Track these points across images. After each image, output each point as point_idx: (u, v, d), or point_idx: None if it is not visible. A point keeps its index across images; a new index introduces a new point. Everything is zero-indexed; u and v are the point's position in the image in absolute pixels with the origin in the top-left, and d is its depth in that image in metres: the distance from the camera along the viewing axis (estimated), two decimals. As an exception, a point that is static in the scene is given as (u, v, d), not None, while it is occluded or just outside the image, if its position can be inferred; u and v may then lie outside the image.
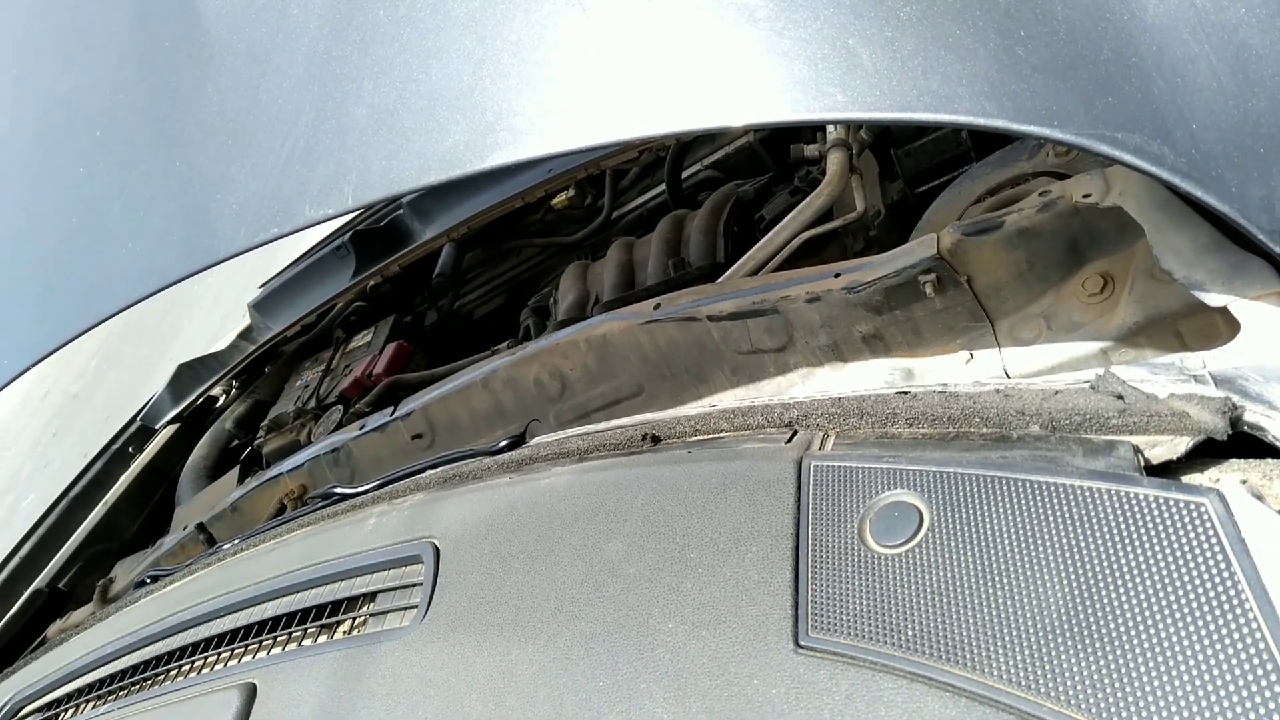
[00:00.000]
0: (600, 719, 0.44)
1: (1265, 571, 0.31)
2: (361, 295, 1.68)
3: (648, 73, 0.49)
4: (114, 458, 1.67)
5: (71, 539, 1.48)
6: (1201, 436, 0.38)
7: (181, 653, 0.77)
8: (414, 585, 0.62)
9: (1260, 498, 0.35)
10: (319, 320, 1.75)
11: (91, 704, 0.83)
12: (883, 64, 0.42)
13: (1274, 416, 0.38)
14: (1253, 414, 0.38)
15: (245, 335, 1.80)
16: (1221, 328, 0.53)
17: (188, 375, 1.76)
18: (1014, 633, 0.35)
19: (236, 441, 1.63)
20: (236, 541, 0.90)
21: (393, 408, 1.10)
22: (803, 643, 0.40)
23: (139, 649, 0.82)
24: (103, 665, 0.86)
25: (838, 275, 0.73)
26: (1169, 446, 0.39)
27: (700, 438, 0.56)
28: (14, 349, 0.73)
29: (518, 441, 0.72)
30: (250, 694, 0.64)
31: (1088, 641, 0.34)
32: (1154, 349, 0.60)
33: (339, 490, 0.83)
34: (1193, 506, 0.34)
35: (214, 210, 0.59)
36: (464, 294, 1.68)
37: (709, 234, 1.12)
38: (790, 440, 0.51)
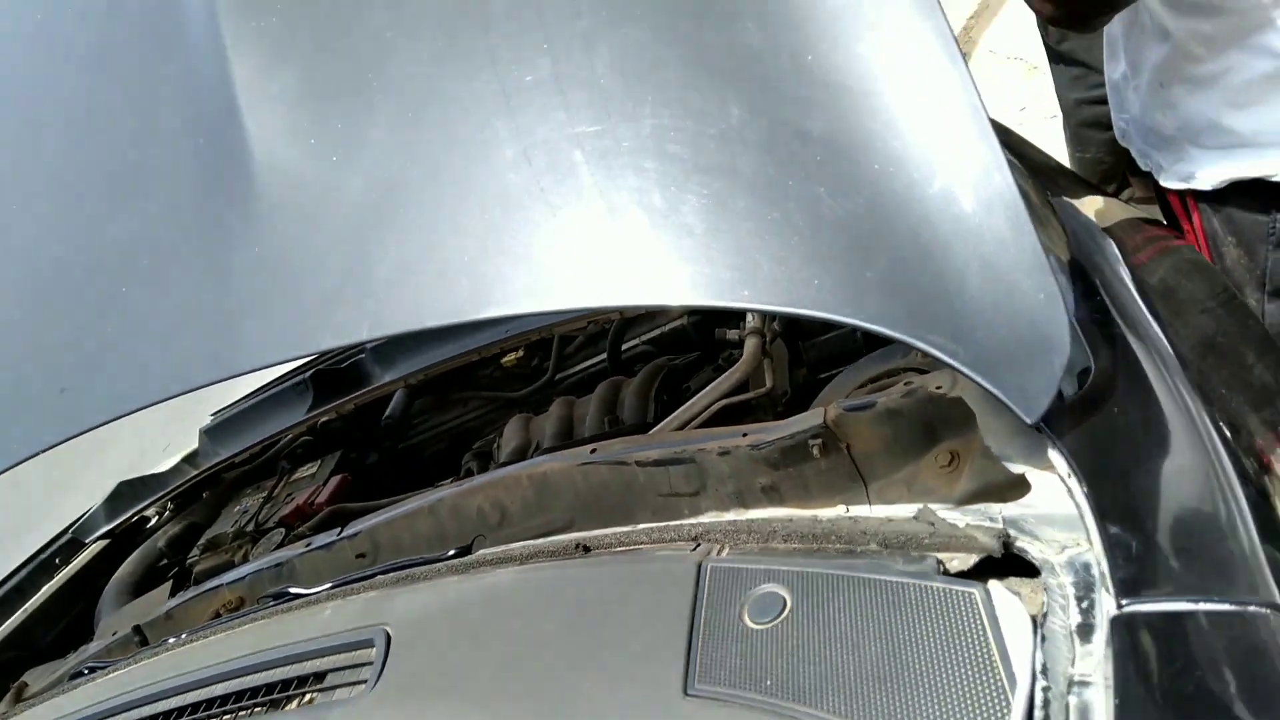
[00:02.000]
0: None
1: (1008, 636, 0.46)
2: (311, 430, 1.78)
3: (604, 260, 0.66)
4: (40, 567, 1.69)
5: (-16, 644, 1.48)
6: (984, 554, 0.53)
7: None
8: (365, 665, 0.72)
9: (1016, 594, 0.49)
10: (264, 451, 1.83)
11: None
12: (778, 273, 0.59)
13: (1035, 544, 0.53)
14: (1021, 542, 0.53)
15: (189, 459, 1.86)
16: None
17: (126, 493, 1.81)
18: (842, 681, 0.48)
19: (166, 561, 1.66)
20: (183, 635, 0.97)
21: (339, 529, 1.20)
22: (690, 692, 0.52)
23: (78, 729, 0.87)
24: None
25: (745, 435, 0.89)
26: (962, 560, 0.54)
27: (623, 547, 0.70)
28: (35, 431, 0.83)
29: (465, 551, 0.83)
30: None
31: (892, 686, 0.47)
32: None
33: (292, 590, 0.92)
34: (966, 595, 0.48)
35: (245, 332, 0.73)
36: (410, 437, 1.79)
37: (642, 397, 1.28)
38: (694, 549, 0.64)
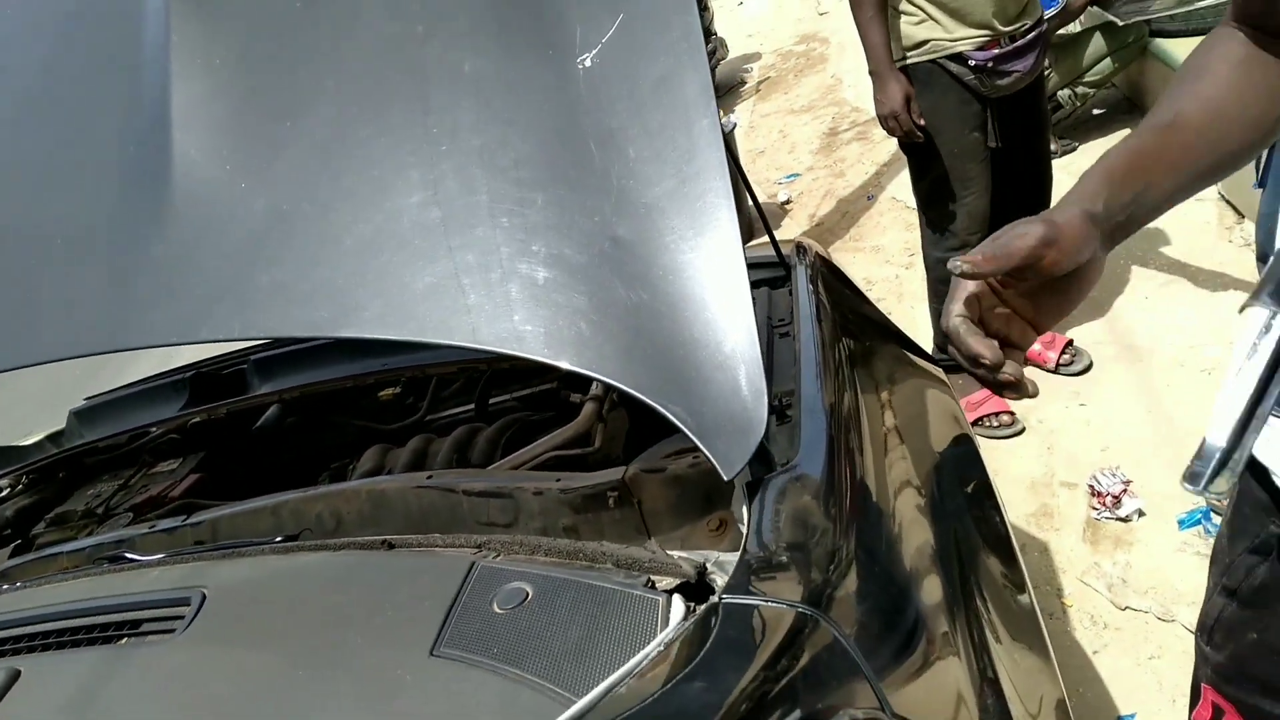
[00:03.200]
0: (302, 707, 0.66)
1: (672, 624, 0.61)
2: (180, 429, 1.85)
3: (443, 306, 0.80)
4: (-123, 516, 1.68)
5: None
6: (684, 578, 0.69)
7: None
8: (178, 619, 0.82)
9: (688, 604, 0.65)
10: (130, 442, 1.88)
11: None
12: (576, 339, 0.75)
13: (721, 577, 0.69)
14: (711, 573, 0.69)
15: (53, 438, 1.90)
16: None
17: (-17, 458, 1.82)
18: (548, 652, 0.63)
19: (10, 531, 1.68)
20: (16, 585, 1.04)
21: (185, 516, 1.28)
22: (434, 653, 0.65)
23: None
24: None
25: (558, 480, 1.03)
26: (667, 581, 0.69)
27: (420, 548, 0.83)
28: None
29: (291, 539, 0.95)
30: (13, 676, 0.80)
31: (581, 657, 0.61)
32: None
33: (127, 555, 1.01)
34: (654, 601, 0.64)
35: (137, 315, 0.85)
36: (276, 450, 1.87)
37: (491, 443, 1.42)
38: (475, 553, 0.78)
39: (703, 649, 0.54)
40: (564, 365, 0.74)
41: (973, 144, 2.46)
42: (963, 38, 2.32)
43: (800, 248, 1.41)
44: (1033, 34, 2.35)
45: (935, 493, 0.89)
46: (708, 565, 0.69)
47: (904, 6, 2.36)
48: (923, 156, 2.55)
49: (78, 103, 1.07)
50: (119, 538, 1.31)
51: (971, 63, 2.35)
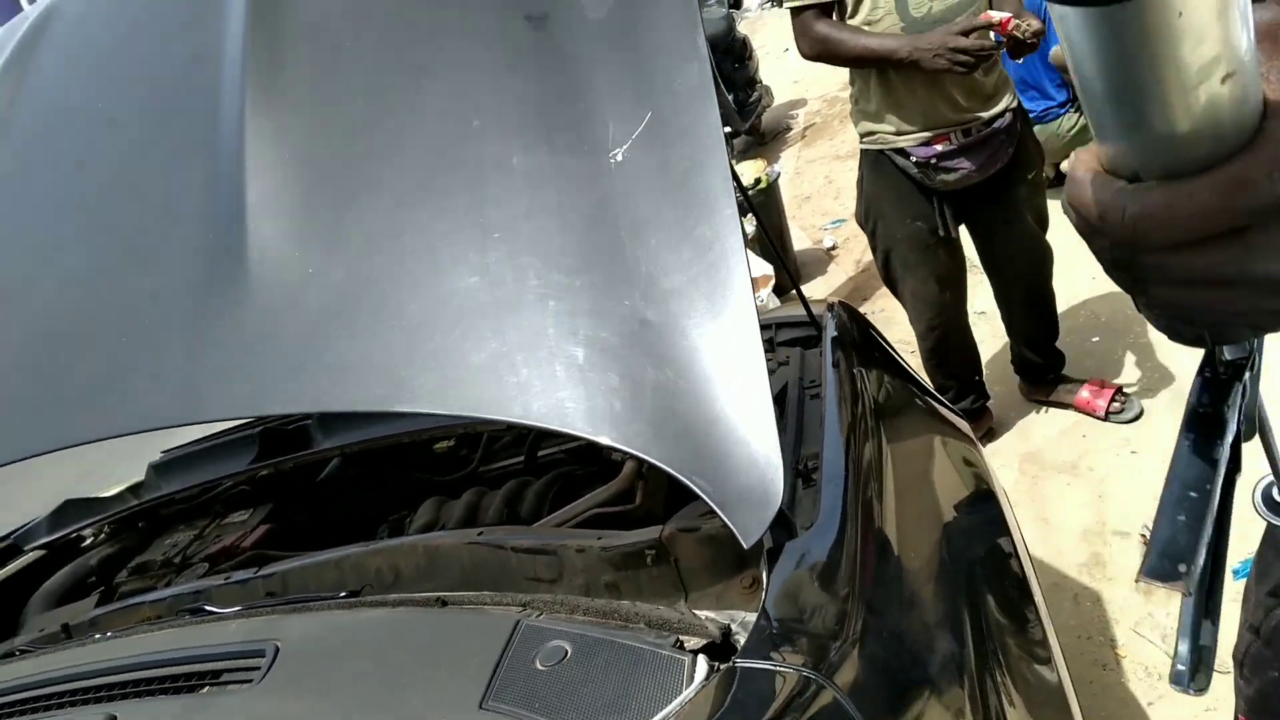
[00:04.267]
0: None
1: (695, 684, 0.66)
2: (250, 480, 1.96)
3: (494, 382, 0.88)
4: (-25, 566, 1.82)
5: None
6: (711, 639, 0.74)
7: (45, 696, 0.99)
8: (255, 669, 0.90)
9: (713, 664, 0.70)
10: (203, 493, 2.00)
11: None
12: (612, 415, 0.82)
13: (744, 637, 0.75)
14: (735, 633, 0.75)
15: (134, 490, 2.02)
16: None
17: (70, 510, 1.96)
18: (584, 706, 0.69)
19: (94, 578, 1.80)
20: (106, 634, 1.14)
21: (257, 568, 1.37)
22: (483, 706, 0.72)
23: (3, 694, 1.03)
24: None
25: (599, 538, 1.10)
26: (695, 641, 0.75)
27: (470, 605, 0.90)
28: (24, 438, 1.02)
29: (354, 595, 1.02)
30: (108, 721, 0.88)
31: (612, 712, 0.67)
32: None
33: (206, 607, 1.10)
34: (680, 660, 0.69)
35: (212, 390, 0.94)
36: (338, 501, 1.97)
37: (540, 497, 1.49)
38: (520, 611, 0.85)
39: (719, 710, 0.60)
40: (603, 440, 0.81)
41: (914, 231, 2.42)
42: (903, 132, 2.27)
43: (831, 307, 1.47)
44: (989, 129, 2.24)
45: (955, 556, 0.93)
46: (732, 626, 0.75)
47: (854, 94, 2.36)
48: (870, 237, 2.57)
49: (160, 191, 1.19)
50: (196, 589, 1.41)
51: (913, 158, 2.31)
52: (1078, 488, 2.55)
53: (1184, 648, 0.53)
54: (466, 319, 0.89)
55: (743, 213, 3.94)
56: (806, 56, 2.28)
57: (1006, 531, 1.07)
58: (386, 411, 0.86)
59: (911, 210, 2.39)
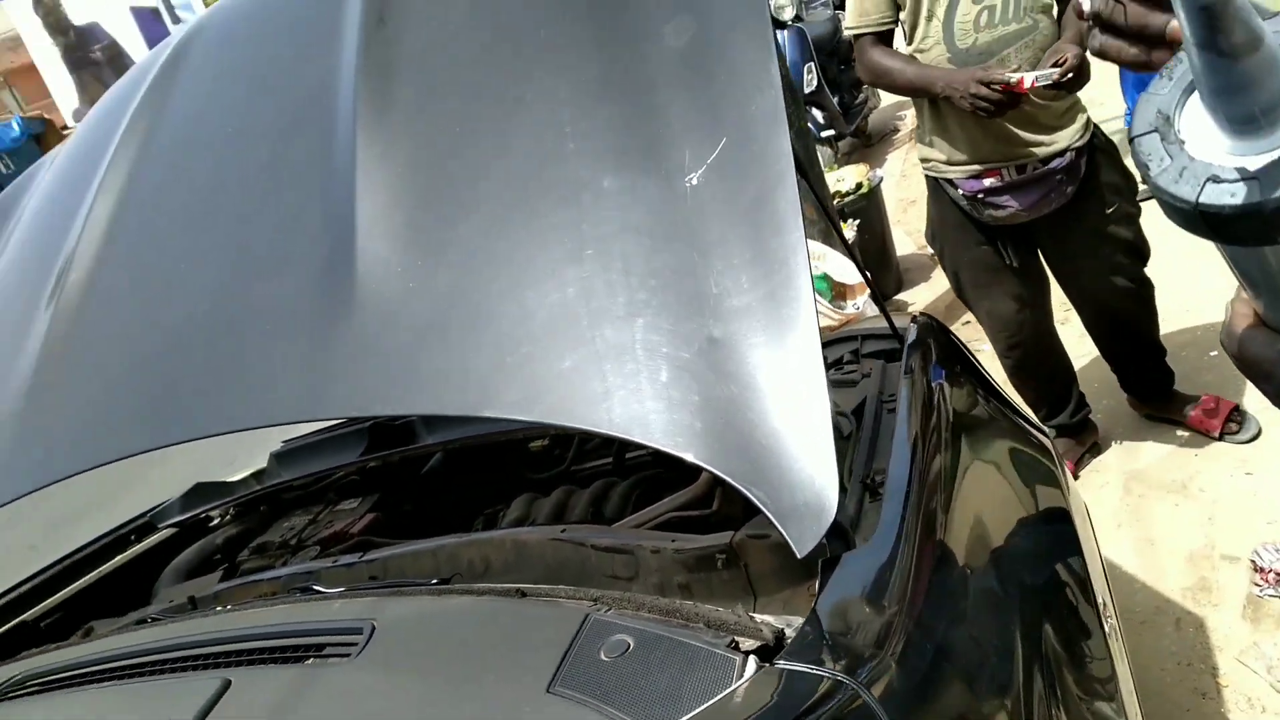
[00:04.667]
0: None
1: (746, 677, 0.71)
2: (360, 471, 2.09)
3: (582, 393, 0.94)
4: (118, 540, 2.01)
5: (63, 592, 1.79)
6: (764, 641, 0.79)
7: (170, 659, 1.11)
8: (353, 645, 0.99)
9: (763, 663, 0.75)
10: (317, 481, 2.15)
11: (90, 682, 1.16)
12: (688, 430, 0.87)
13: (790, 637, 0.79)
14: (789, 638, 0.79)
15: (257, 476, 2.19)
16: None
17: (200, 492, 2.14)
18: (641, 696, 0.74)
19: (219, 556, 1.97)
20: (228, 606, 1.26)
21: (362, 553, 1.48)
22: (549, 691, 0.78)
23: (134, 656, 1.16)
24: (103, 662, 1.19)
25: (674, 541, 1.15)
26: (749, 643, 0.79)
27: (546, 598, 0.97)
28: (156, 431, 1.15)
29: (444, 583, 1.11)
30: (224, 686, 0.99)
31: (669, 703, 0.73)
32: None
33: (315, 587, 1.21)
34: (732, 659, 0.74)
35: (326, 390, 1.04)
36: (439, 493, 2.09)
37: (624, 498, 1.55)
38: (590, 605, 0.91)
39: (761, 708, 0.64)
40: (672, 451, 0.86)
41: (981, 255, 2.35)
42: (954, 162, 2.22)
43: (915, 319, 1.48)
44: (1045, 168, 2.13)
45: (1016, 577, 0.94)
46: (787, 631, 0.79)
47: (917, 117, 2.33)
48: (940, 258, 2.52)
49: (282, 206, 1.30)
50: (308, 569, 1.53)
51: (960, 191, 2.26)
52: (1186, 509, 2.46)
53: None
54: (557, 331, 0.96)
55: (840, 220, 3.92)
56: (864, 81, 2.38)
57: (1078, 553, 1.07)
58: (478, 416, 0.93)
59: (974, 237, 2.34)
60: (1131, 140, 0.38)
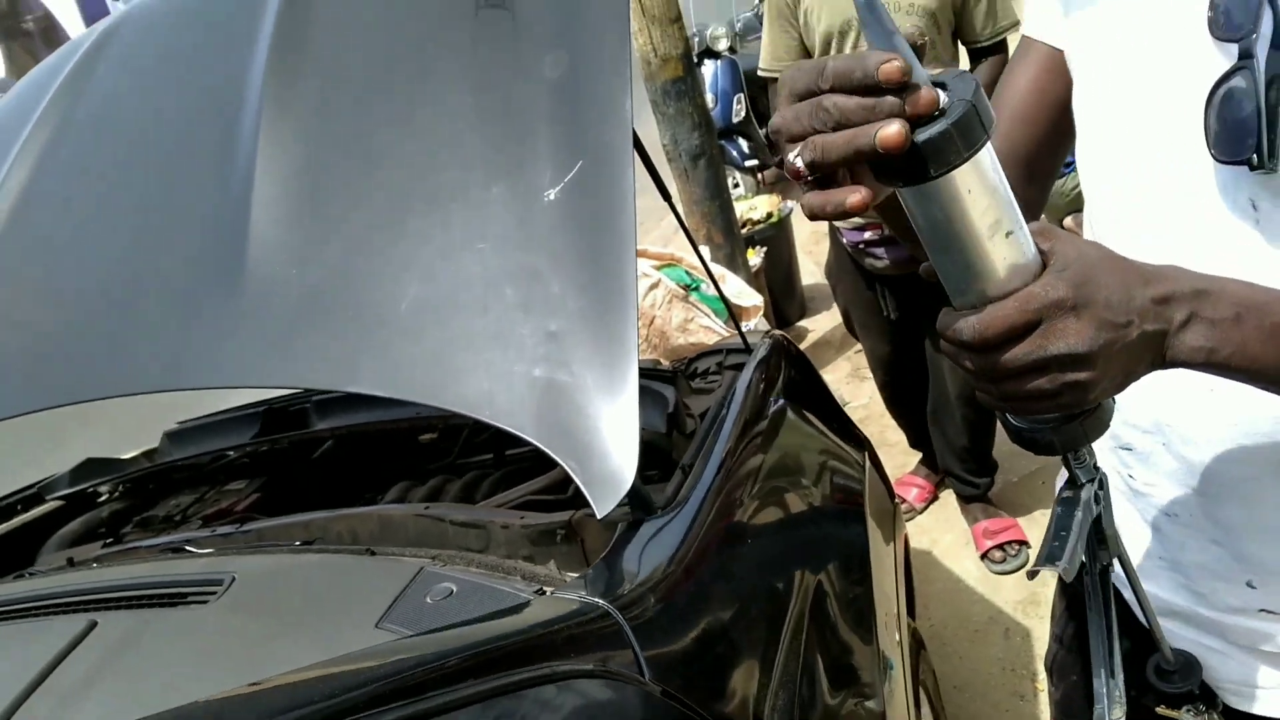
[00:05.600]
0: (278, 657, 0.92)
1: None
2: (252, 455, 2.16)
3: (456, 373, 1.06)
4: (3, 510, 2.04)
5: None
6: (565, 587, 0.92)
7: (39, 607, 1.18)
8: (213, 593, 1.09)
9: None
10: (210, 462, 2.21)
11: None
12: (524, 408, 1.00)
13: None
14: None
15: (148, 455, 2.24)
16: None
17: (90, 467, 2.17)
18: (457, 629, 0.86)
19: (103, 529, 2.01)
20: (99, 561, 1.34)
21: (240, 524, 1.57)
22: (378, 625, 0.90)
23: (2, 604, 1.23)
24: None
25: (522, 518, 1.27)
26: (552, 590, 0.92)
27: (392, 555, 1.08)
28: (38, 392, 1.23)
29: (308, 544, 1.21)
30: (90, 626, 1.07)
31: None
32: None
33: (189, 547, 1.30)
34: (532, 599, 0.87)
35: (211, 357, 1.14)
36: (326, 477, 2.17)
37: (493, 486, 1.68)
38: (429, 561, 1.03)
39: (528, 623, 0.77)
40: (498, 423, 0.99)
41: (866, 299, 2.48)
42: None
43: (769, 337, 1.64)
44: None
45: (796, 563, 1.09)
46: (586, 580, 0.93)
47: None
48: (834, 292, 2.67)
49: (185, 187, 1.39)
50: (186, 538, 1.61)
51: (844, 240, 2.39)
52: (1029, 531, 2.68)
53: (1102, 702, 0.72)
54: (420, 318, 1.08)
55: (749, 246, 4.10)
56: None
57: (864, 554, 1.23)
58: (343, 390, 1.05)
59: (861, 282, 2.50)
60: None
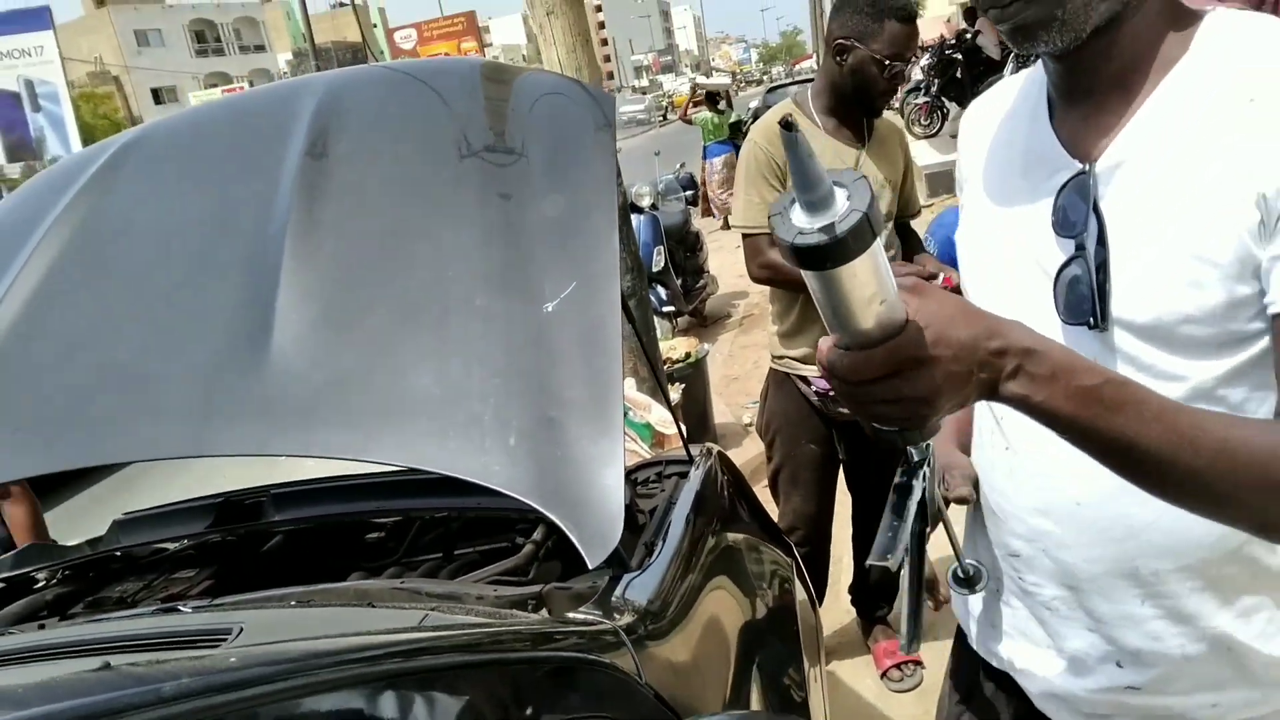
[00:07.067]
0: None
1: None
2: (200, 547, 2.22)
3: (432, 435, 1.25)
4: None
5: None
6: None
7: (41, 655, 1.26)
8: (223, 640, 1.20)
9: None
10: (154, 554, 2.25)
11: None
12: (528, 476, 1.19)
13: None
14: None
15: (92, 543, 2.26)
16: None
17: (31, 554, 2.19)
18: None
19: (46, 612, 2.01)
20: (98, 618, 1.41)
21: (210, 599, 1.65)
22: (396, 656, 1.05)
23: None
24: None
25: (496, 590, 1.43)
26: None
27: (393, 606, 1.22)
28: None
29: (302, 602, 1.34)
30: (104, 666, 1.17)
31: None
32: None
33: (179, 606, 1.39)
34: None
35: (219, 429, 1.29)
36: (277, 571, 2.23)
37: (451, 574, 1.81)
38: (430, 611, 1.18)
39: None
40: (511, 491, 1.17)
41: (808, 454, 2.59)
42: (810, 361, 2.39)
43: (708, 450, 1.87)
44: None
45: (739, 614, 1.28)
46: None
47: (774, 314, 2.54)
48: (768, 448, 2.73)
49: (213, 282, 1.55)
50: (161, 609, 1.67)
51: (814, 388, 2.51)
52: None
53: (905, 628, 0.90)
54: (431, 401, 1.28)
55: (668, 382, 4.39)
56: (755, 279, 2.49)
57: (793, 619, 1.44)
58: (357, 459, 1.22)
59: (809, 434, 2.59)
60: (770, 216, 0.64)
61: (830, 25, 2.43)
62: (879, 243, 0.63)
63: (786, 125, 0.58)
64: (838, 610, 3.07)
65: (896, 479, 0.80)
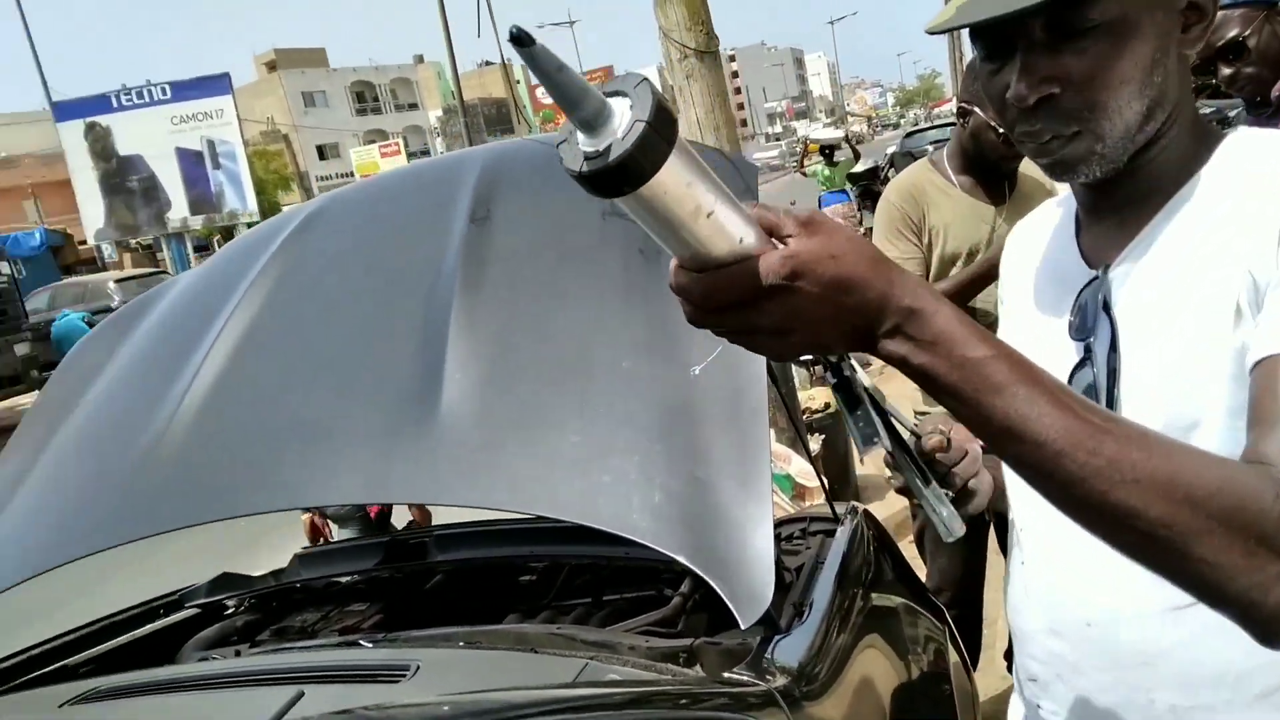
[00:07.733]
0: None
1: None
2: (370, 581, 2.40)
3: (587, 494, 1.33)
4: (148, 611, 2.28)
5: (87, 652, 2.05)
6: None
7: (240, 680, 1.41)
8: (404, 674, 1.31)
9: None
10: (329, 587, 2.45)
11: (167, 693, 1.44)
12: (679, 536, 1.26)
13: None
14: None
15: (275, 574, 2.48)
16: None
17: (224, 581, 2.42)
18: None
19: (236, 638, 2.22)
20: (286, 646, 1.57)
21: (384, 634, 1.79)
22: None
23: (207, 677, 1.46)
24: (177, 681, 1.48)
25: (648, 641, 1.49)
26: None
27: (554, 653, 1.30)
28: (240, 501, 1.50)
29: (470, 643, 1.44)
30: (298, 694, 1.30)
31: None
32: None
33: (360, 640, 1.53)
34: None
35: (394, 475, 1.41)
36: (436, 608, 2.38)
37: (601, 622, 1.89)
38: (591, 659, 1.25)
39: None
40: (667, 550, 1.23)
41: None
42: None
43: (854, 509, 1.89)
44: None
45: (890, 682, 1.30)
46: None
47: None
48: (913, 503, 2.67)
49: (386, 342, 1.71)
50: (339, 642, 1.83)
51: None
52: None
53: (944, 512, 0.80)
54: (575, 459, 1.36)
55: (807, 432, 4.37)
56: None
57: (951, 700, 1.43)
58: (521, 513, 1.31)
59: None
60: (556, 145, 0.57)
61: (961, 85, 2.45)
62: (685, 147, 0.56)
63: (516, 39, 0.51)
64: (993, 675, 2.95)
65: (831, 381, 0.75)
